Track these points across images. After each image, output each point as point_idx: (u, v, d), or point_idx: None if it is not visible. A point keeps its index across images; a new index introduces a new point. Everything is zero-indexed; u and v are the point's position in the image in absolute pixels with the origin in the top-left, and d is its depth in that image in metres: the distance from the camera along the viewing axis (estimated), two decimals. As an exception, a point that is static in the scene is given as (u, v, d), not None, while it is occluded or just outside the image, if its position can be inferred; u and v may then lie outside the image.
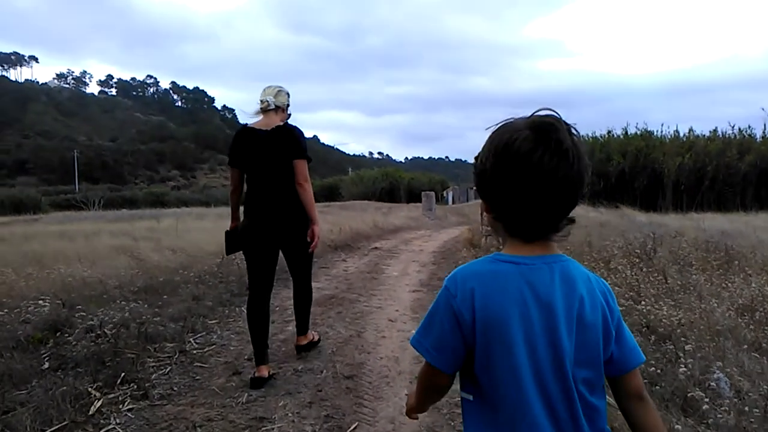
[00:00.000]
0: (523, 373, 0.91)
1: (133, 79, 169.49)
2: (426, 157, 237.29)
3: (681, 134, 29.25)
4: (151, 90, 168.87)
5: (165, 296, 4.88)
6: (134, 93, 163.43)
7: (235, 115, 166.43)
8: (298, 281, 3.44)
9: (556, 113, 0.93)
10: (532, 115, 0.94)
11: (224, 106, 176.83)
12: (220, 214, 22.01)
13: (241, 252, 3.36)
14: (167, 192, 69.90)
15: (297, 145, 3.20)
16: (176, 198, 58.08)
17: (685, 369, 2.86)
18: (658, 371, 2.90)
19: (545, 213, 0.92)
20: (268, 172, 3.17)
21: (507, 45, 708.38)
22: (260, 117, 3.28)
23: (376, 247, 10.01)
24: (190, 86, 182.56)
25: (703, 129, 30.11)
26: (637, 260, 6.46)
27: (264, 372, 3.09)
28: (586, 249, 7.04)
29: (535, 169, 0.88)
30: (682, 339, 3.42)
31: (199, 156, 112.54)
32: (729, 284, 5.09)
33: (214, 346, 3.75)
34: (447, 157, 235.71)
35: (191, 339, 3.84)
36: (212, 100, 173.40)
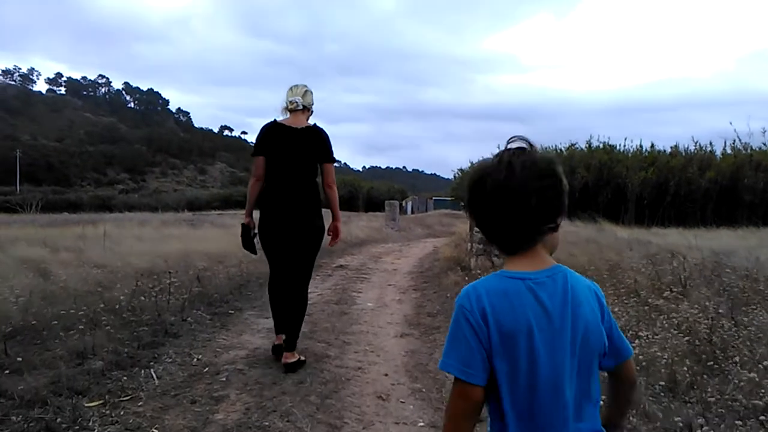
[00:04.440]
0: (534, 382, 0.96)
1: (83, 78, 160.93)
2: (384, 166, 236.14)
3: (644, 149, 29.03)
4: (103, 90, 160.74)
5: (35, 349, 3.23)
6: (84, 93, 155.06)
7: (190, 118, 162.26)
8: (294, 286, 3.41)
9: (524, 140, 1.03)
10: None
11: (179, 108, 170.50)
12: (164, 220, 20.00)
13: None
14: (114, 195, 66.23)
15: (327, 149, 3.41)
16: (123, 202, 54.71)
17: None
18: None
19: (510, 223, 0.98)
20: (294, 168, 3.29)
21: (464, 58, 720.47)
22: (287, 115, 3.42)
23: (341, 266, 8.48)
24: (144, 87, 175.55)
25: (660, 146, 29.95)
26: (670, 292, 5.21)
27: (283, 340, 3.30)
28: (606, 275, 5.74)
29: (488, 186, 0.99)
30: None
31: (150, 159, 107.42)
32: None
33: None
34: (404, 167, 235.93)
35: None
36: (166, 102, 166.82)
